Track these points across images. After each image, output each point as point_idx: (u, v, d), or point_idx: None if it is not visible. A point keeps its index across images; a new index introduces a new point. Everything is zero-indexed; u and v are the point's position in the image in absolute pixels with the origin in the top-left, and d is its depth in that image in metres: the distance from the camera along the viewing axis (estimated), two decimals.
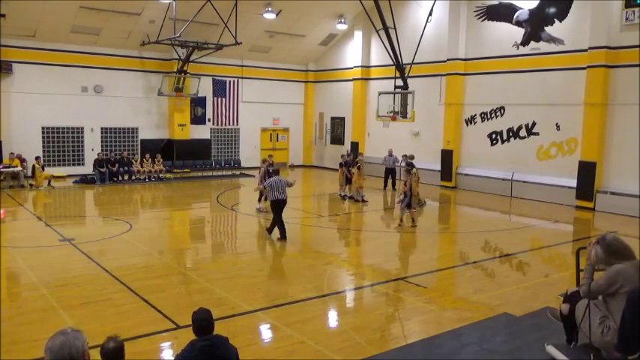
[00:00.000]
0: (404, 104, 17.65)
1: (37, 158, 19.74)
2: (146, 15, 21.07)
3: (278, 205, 12.06)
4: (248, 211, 16.30)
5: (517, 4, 19.27)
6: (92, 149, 22.33)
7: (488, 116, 20.58)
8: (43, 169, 19.84)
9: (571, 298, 5.13)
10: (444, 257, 11.85)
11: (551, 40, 18.37)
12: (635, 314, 4.46)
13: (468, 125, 21.37)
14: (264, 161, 15.97)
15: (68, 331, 2.81)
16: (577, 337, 5.23)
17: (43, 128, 21.53)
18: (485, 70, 20.48)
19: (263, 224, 13.64)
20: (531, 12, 18.88)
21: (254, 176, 24.47)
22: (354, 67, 25.53)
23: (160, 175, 22.41)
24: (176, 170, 23.59)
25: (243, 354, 4.47)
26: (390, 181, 20.46)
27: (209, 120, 25.36)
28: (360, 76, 25.27)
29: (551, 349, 5.37)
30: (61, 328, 2.90)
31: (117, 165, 21.39)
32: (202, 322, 4.15)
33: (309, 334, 6.81)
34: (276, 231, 12.12)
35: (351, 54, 25.91)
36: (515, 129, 19.72)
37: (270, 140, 28.10)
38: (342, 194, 18.17)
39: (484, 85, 20.62)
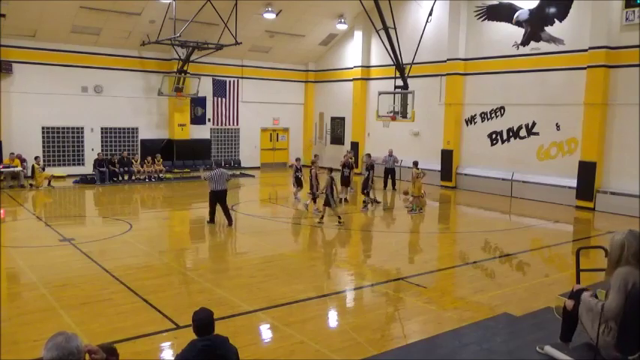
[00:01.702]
0: (404, 104, 17.64)
1: (36, 158, 19.75)
2: (146, 15, 21.07)
3: (216, 195, 13.35)
4: (248, 210, 16.31)
5: (517, 4, 19.28)
6: (92, 149, 22.34)
7: (488, 116, 20.58)
8: (44, 170, 19.85)
9: (577, 295, 5.12)
10: (444, 257, 11.85)
11: (551, 40, 18.37)
12: (635, 314, 4.45)
13: (468, 125, 21.37)
14: (313, 163, 16.87)
15: (64, 332, 2.84)
16: (571, 336, 5.23)
17: (43, 128, 21.53)
18: (485, 70, 20.47)
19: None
20: (531, 12, 18.88)
21: (254, 176, 24.54)
22: (354, 67, 25.53)
23: (160, 175, 22.41)
24: (176, 170, 23.58)
25: (243, 354, 4.46)
26: (389, 181, 20.42)
27: (209, 120, 25.35)
28: (360, 76, 25.27)
29: (550, 350, 5.37)
30: (61, 328, 2.90)
31: (117, 165, 21.43)
32: (203, 321, 4.15)
33: (309, 334, 6.81)
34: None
35: (351, 54, 25.90)
36: (515, 129, 19.72)
37: (270, 140, 28.09)
38: (344, 197, 17.50)
39: (484, 85, 20.62)
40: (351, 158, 18.50)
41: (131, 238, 12.12)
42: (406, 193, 16.75)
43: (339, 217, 13.97)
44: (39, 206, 16.81)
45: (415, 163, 16.56)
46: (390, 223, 15.61)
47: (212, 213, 13.62)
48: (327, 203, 13.89)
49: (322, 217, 14.04)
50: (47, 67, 21.30)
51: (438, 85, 21.98)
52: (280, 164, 27.87)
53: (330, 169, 14.42)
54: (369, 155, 18.23)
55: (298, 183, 17.35)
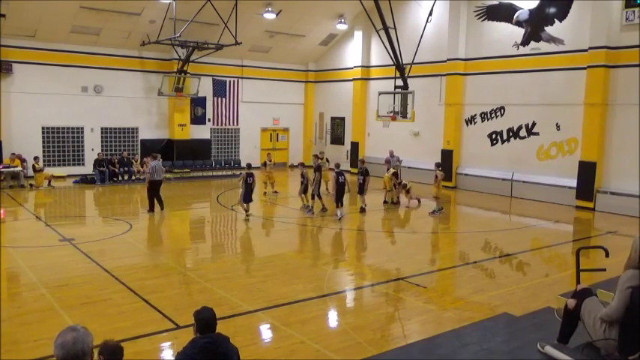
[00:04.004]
0: (404, 104, 17.63)
1: (35, 158, 19.74)
2: (146, 15, 21.07)
3: (156, 185, 15.09)
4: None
5: (517, 4, 19.28)
6: (92, 149, 22.34)
7: (488, 116, 20.58)
8: (43, 170, 19.82)
9: (579, 295, 5.11)
10: (444, 257, 11.84)
11: (551, 40, 18.37)
12: (635, 314, 4.45)
13: (468, 125, 21.37)
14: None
15: (78, 328, 2.84)
16: (569, 338, 5.21)
17: (43, 128, 21.53)
18: (485, 70, 20.47)
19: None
20: (531, 12, 18.88)
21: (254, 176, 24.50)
22: (354, 67, 25.52)
23: None
24: (176, 170, 23.56)
25: (243, 354, 4.46)
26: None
27: (209, 120, 25.35)
28: (360, 76, 25.27)
29: (550, 350, 5.36)
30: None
31: (117, 165, 21.43)
32: (206, 320, 4.15)
33: (309, 334, 6.81)
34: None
35: (351, 54, 25.90)
36: (515, 129, 19.71)
37: (270, 140, 28.09)
38: (363, 205, 16.33)
39: (484, 85, 20.61)
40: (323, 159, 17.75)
41: (131, 238, 12.12)
42: (407, 190, 16.79)
43: (247, 210, 14.57)
44: (39, 206, 16.81)
45: (438, 165, 16.57)
46: (390, 224, 15.60)
47: (153, 203, 15.10)
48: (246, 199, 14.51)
49: (247, 211, 14.60)
50: (47, 67, 21.30)
51: (438, 85, 21.98)
52: (280, 164, 27.84)
53: (248, 166, 15.21)
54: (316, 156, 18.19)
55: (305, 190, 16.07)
